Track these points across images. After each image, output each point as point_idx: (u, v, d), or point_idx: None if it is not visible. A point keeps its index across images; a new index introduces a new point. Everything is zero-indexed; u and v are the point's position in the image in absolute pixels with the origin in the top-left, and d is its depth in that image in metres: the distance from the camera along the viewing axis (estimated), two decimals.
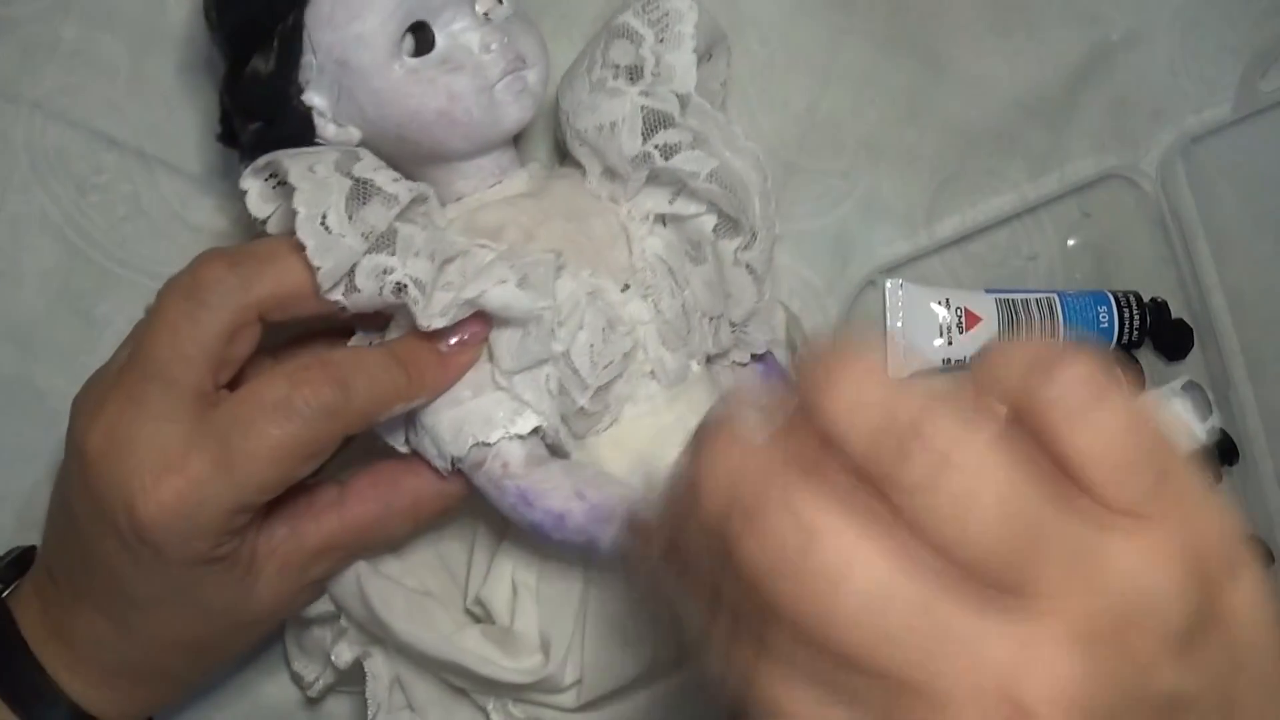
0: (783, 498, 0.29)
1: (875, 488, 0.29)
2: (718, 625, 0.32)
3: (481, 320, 0.46)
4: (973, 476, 0.28)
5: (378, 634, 0.52)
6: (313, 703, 0.59)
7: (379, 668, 0.53)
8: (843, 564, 0.28)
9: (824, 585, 0.28)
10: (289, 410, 0.44)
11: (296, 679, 0.57)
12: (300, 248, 0.44)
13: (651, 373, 0.49)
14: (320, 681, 0.56)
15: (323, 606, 0.53)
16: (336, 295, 0.45)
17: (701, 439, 0.31)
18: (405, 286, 0.44)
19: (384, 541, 0.51)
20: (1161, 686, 0.29)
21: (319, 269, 0.44)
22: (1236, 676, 0.30)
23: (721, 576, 0.31)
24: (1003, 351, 0.31)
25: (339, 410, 0.44)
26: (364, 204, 0.44)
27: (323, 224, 0.43)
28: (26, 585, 0.50)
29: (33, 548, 0.52)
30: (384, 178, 0.45)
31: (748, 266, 0.52)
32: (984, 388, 0.30)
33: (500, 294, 0.45)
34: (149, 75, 0.57)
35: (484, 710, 0.51)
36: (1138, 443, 0.29)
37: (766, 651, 0.30)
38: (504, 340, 0.46)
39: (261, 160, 0.46)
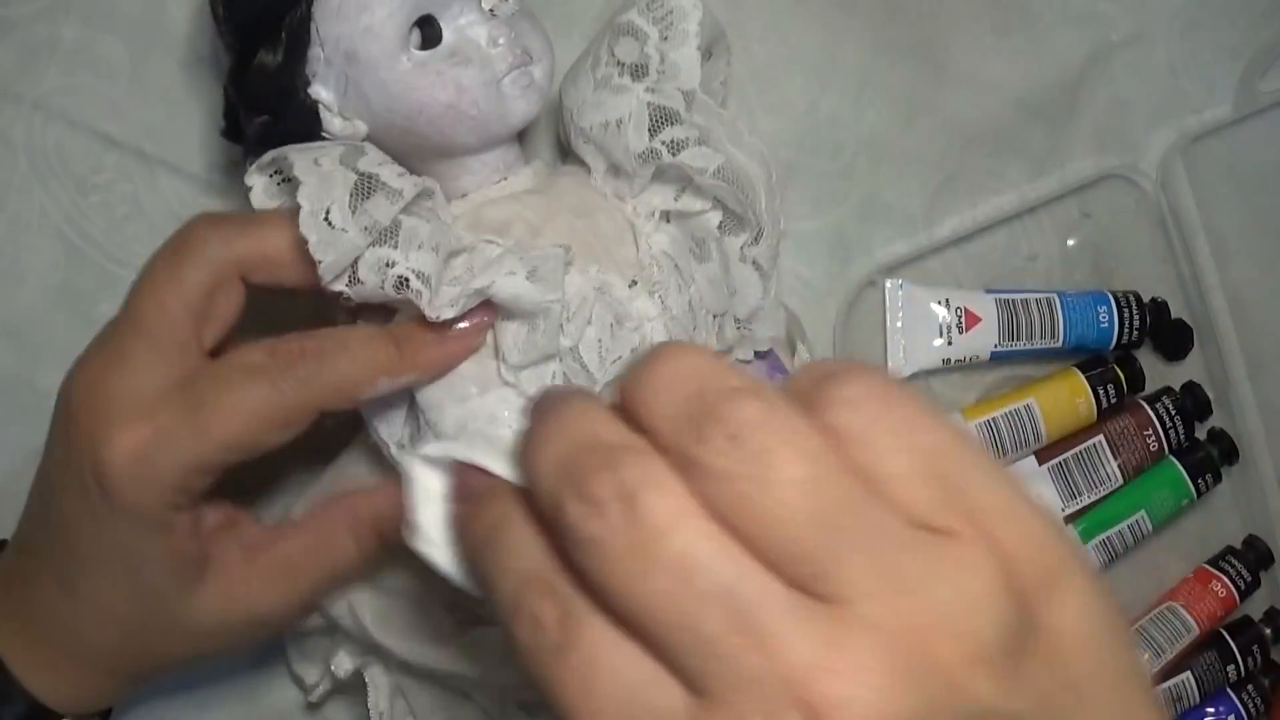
0: (611, 464, 0.28)
1: (686, 471, 0.28)
2: (535, 594, 0.30)
3: (487, 308, 0.46)
4: (774, 461, 0.28)
5: (375, 648, 0.52)
6: (314, 707, 0.59)
7: (379, 677, 0.53)
8: (658, 533, 0.28)
9: (639, 552, 0.28)
10: (264, 372, 0.44)
11: (298, 682, 0.57)
12: (290, 218, 0.44)
13: None
14: (321, 687, 0.55)
15: (319, 620, 0.53)
16: (340, 286, 0.45)
17: (538, 410, 0.31)
18: (407, 280, 0.44)
19: (342, 568, 0.49)
20: (975, 703, 0.27)
21: (321, 263, 0.44)
22: (1070, 696, 0.29)
23: (548, 544, 0.30)
24: (804, 367, 0.31)
25: (313, 378, 0.45)
26: (367, 198, 0.44)
27: (326, 219, 0.44)
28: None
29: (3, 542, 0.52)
30: (389, 173, 0.45)
31: (754, 263, 0.52)
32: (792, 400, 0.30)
33: (510, 285, 0.45)
34: (149, 75, 0.57)
35: (489, 714, 0.51)
36: (930, 459, 0.29)
37: (582, 623, 0.29)
38: (510, 334, 0.46)
39: (267, 156, 0.46)
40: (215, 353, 0.47)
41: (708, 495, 0.28)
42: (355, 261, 0.44)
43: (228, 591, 0.47)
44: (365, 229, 0.44)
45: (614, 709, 0.28)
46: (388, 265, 0.44)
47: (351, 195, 0.44)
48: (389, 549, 0.50)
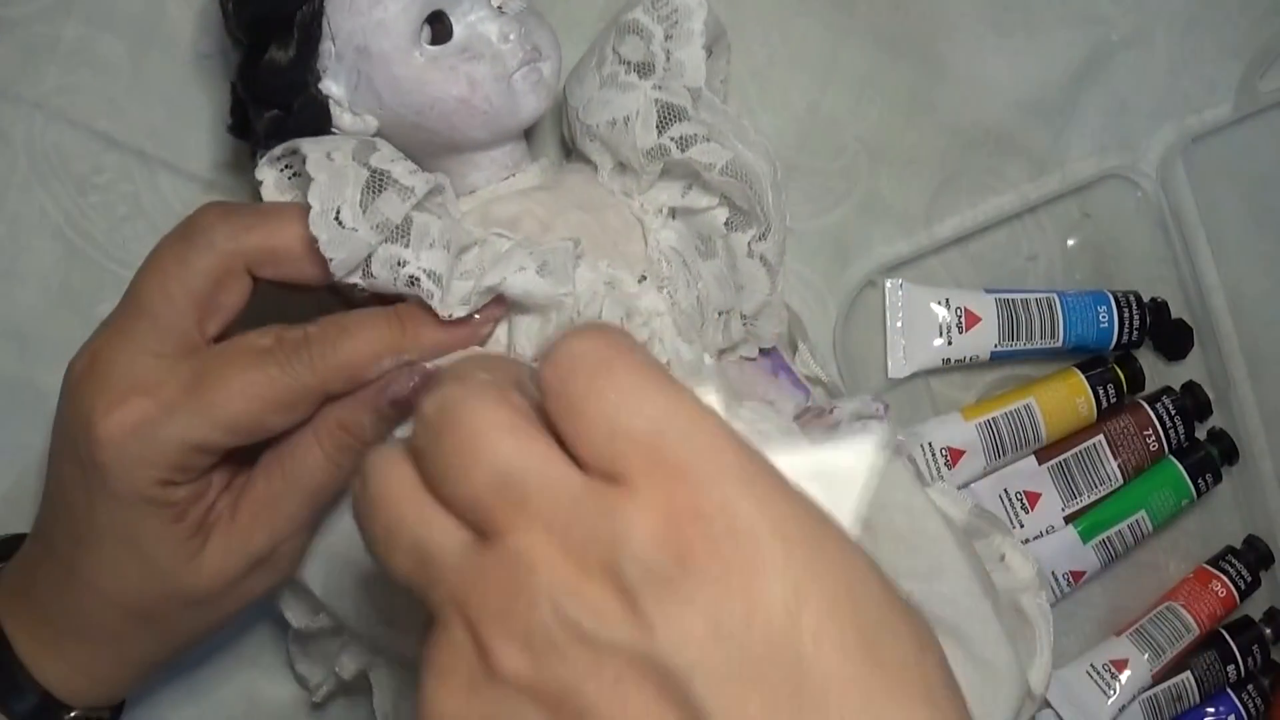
0: (364, 470, 0.35)
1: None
2: None
3: (499, 302, 0.46)
4: (454, 433, 0.32)
5: (383, 645, 0.51)
6: (317, 707, 0.58)
7: (384, 678, 0.53)
8: (372, 503, 0.34)
9: (366, 516, 0.34)
10: (270, 355, 0.45)
11: (302, 681, 0.57)
12: (301, 212, 0.44)
13: (668, 363, 0.49)
14: (325, 687, 0.55)
15: (325, 621, 0.52)
16: (354, 279, 0.45)
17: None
18: (418, 279, 0.45)
19: (317, 478, 0.48)
20: (609, 633, 0.30)
21: (332, 260, 0.44)
22: (739, 646, 0.30)
23: None
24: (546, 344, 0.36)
25: (318, 361, 0.45)
26: (378, 195, 0.44)
27: (336, 218, 0.44)
28: (15, 558, 0.50)
29: (18, 536, 0.52)
30: (400, 169, 0.45)
31: (761, 258, 0.52)
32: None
33: (521, 281, 0.45)
34: (149, 75, 0.57)
35: None
36: (631, 415, 0.32)
37: None
38: (524, 328, 0.47)
39: (278, 149, 0.46)
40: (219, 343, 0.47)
41: (418, 468, 0.33)
42: (368, 257, 0.44)
43: (224, 546, 0.47)
44: (377, 226, 0.44)
45: None
46: (399, 264, 0.44)
47: (363, 193, 0.44)
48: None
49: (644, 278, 0.49)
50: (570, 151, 0.54)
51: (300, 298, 0.47)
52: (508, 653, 0.31)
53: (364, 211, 0.44)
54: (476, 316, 0.46)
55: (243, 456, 0.47)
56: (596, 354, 0.32)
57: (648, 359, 0.33)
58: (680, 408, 0.32)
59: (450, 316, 0.45)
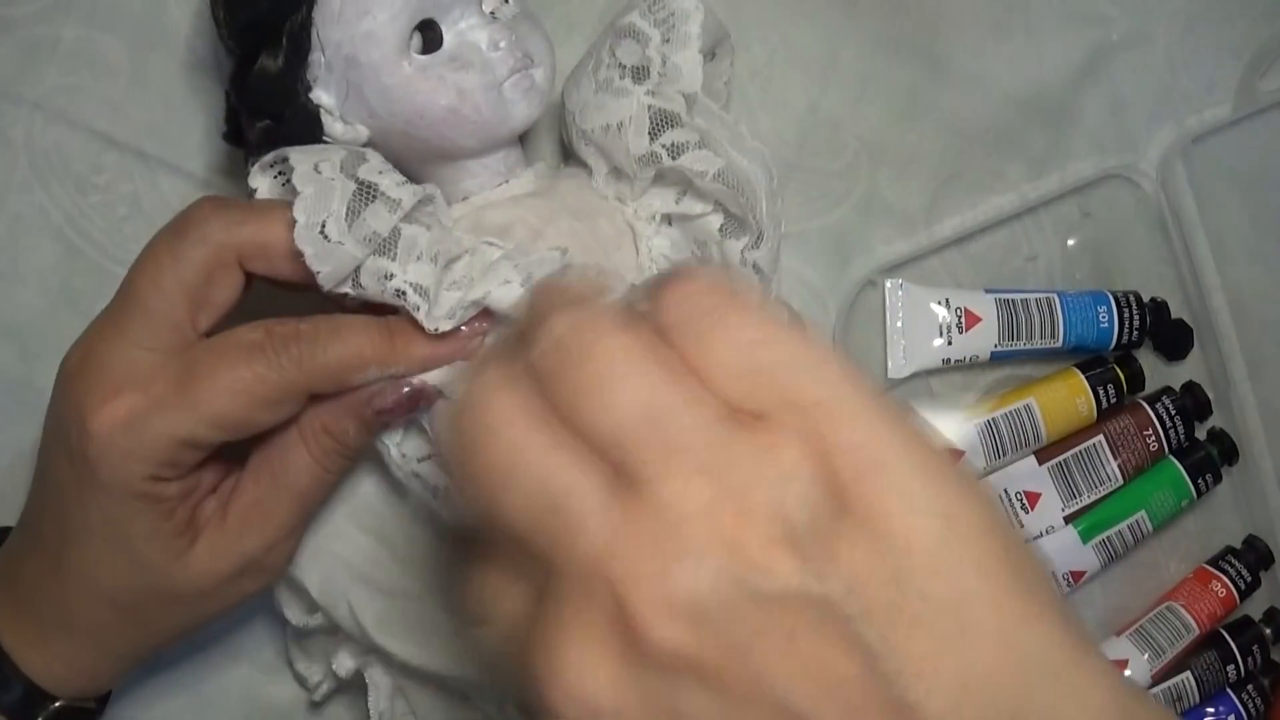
0: (471, 394, 0.32)
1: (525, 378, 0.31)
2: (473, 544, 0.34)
3: (486, 315, 0.46)
4: (581, 361, 0.30)
5: (378, 646, 0.52)
6: (317, 706, 0.59)
7: (380, 677, 0.53)
8: (489, 431, 0.31)
9: (473, 449, 0.31)
10: (259, 350, 0.45)
11: (301, 681, 0.57)
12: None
13: None
14: (324, 686, 0.55)
15: (321, 619, 0.53)
16: (344, 289, 0.45)
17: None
18: (404, 293, 0.44)
19: (305, 481, 0.48)
20: (776, 583, 0.28)
21: (319, 273, 0.44)
22: (901, 584, 0.29)
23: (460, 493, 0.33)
24: (652, 277, 0.33)
25: (306, 360, 0.45)
26: (366, 207, 0.44)
27: (321, 232, 0.44)
28: (0, 550, 0.50)
29: (3, 529, 0.52)
30: (389, 181, 0.45)
31: (754, 266, 0.52)
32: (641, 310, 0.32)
33: (506, 295, 0.45)
34: (149, 75, 0.57)
35: (488, 715, 0.51)
36: (752, 352, 0.30)
37: (486, 547, 0.33)
38: None
39: (269, 156, 0.46)
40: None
41: (540, 396, 0.31)
42: (356, 269, 0.44)
43: (213, 546, 0.47)
44: (364, 239, 0.44)
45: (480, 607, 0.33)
46: (386, 277, 0.44)
47: (349, 206, 0.44)
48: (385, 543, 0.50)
49: (634, 285, 0.49)
50: (568, 155, 0.54)
51: (296, 298, 0.47)
52: (663, 623, 0.28)
53: (350, 225, 0.44)
54: (464, 329, 0.46)
55: (234, 454, 0.48)
56: (718, 291, 0.31)
57: (760, 299, 0.32)
58: (803, 342, 0.31)
59: (436, 330, 0.45)
